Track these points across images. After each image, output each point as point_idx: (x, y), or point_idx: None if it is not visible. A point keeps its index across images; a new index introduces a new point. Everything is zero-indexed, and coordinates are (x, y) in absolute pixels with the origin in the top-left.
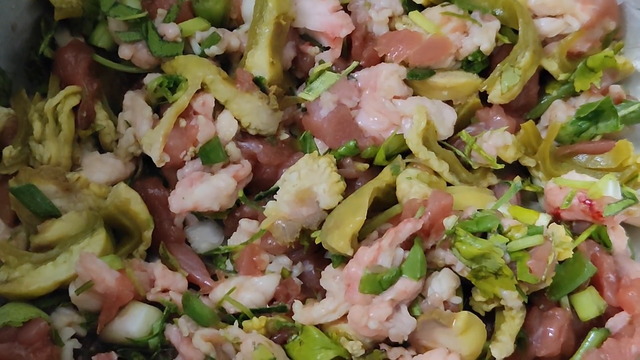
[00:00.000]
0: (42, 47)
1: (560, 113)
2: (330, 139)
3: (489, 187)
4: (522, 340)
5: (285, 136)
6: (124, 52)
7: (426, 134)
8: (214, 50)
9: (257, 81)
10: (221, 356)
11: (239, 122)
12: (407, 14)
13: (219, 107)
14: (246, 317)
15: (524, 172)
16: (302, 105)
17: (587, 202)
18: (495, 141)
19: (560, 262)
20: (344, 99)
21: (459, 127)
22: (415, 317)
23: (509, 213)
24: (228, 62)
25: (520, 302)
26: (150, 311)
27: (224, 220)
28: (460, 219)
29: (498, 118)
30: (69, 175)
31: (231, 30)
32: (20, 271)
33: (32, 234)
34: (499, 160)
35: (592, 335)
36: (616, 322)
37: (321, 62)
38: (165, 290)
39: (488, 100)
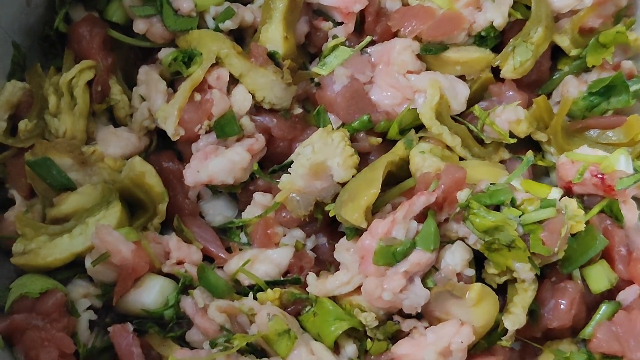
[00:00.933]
0: (57, 21)
1: (572, 88)
2: (344, 114)
3: (501, 161)
4: (534, 312)
5: (298, 110)
6: (139, 26)
7: (439, 109)
8: (228, 24)
9: (271, 55)
10: (236, 327)
11: (253, 96)
12: None
13: (233, 81)
14: (260, 289)
15: (536, 147)
16: (316, 80)
17: (599, 176)
18: (508, 116)
19: (572, 235)
20: (358, 74)
21: (471, 102)
22: (429, 289)
23: (521, 187)
24: (242, 36)
25: (533, 274)
26: (166, 283)
27: (238, 193)
28: (473, 192)
29: (510, 93)
30: (84, 149)
31: (245, 5)
32: (37, 243)
33: (47, 206)
34: (511, 135)
35: (604, 308)
36: (627, 295)
37: (334, 37)
38: (180, 263)
39: (500, 76)
